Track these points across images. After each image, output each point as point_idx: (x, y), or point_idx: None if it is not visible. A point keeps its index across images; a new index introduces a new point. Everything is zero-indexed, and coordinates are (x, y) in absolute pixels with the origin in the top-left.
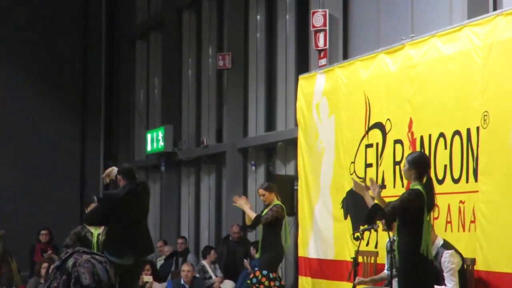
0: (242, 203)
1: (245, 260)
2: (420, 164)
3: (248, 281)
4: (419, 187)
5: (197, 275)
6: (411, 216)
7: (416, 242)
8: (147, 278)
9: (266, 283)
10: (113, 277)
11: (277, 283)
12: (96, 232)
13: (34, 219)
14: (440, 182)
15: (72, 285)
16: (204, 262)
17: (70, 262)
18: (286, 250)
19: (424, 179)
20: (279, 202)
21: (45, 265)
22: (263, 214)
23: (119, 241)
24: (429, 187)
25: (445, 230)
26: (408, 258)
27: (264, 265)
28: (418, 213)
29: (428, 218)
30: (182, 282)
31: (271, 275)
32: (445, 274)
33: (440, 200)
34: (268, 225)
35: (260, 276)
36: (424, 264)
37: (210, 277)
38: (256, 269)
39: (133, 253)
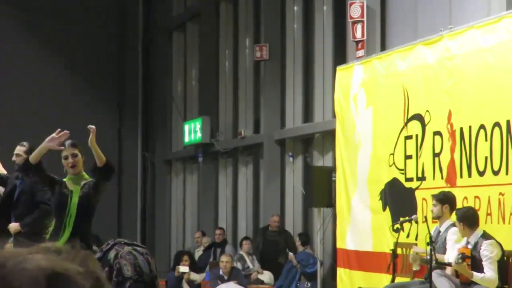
0: None
1: (290, 253)
2: None
3: None
4: None
5: (236, 265)
6: None
7: None
8: (183, 268)
9: None
10: (154, 268)
11: None
12: None
13: None
14: (481, 174)
15: (114, 277)
16: (242, 252)
17: (111, 254)
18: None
19: None
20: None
21: None
22: None
23: None
24: None
25: (485, 222)
26: None
27: None
28: None
29: None
30: (221, 272)
31: None
32: (484, 263)
33: (480, 192)
34: None
35: None
36: None
37: (249, 267)
38: None
39: None
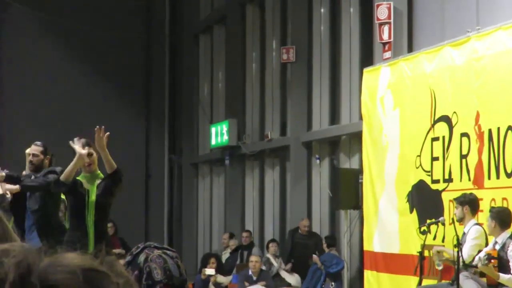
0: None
1: (314, 255)
2: None
3: None
4: None
5: (264, 268)
6: None
7: None
8: (209, 271)
9: None
10: (184, 272)
11: None
12: None
13: None
14: (509, 175)
15: (144, 280)
16: (269, 255)
17: (141, 257)
18: None
19: None
20: None
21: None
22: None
23: None
24: None
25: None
26: None
27: None
28: None
29: None
30: (250, 273)
31: None
32: (511, 264)
33: (508, 193)
34: None
35: None
36: None
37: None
38: None
39: None
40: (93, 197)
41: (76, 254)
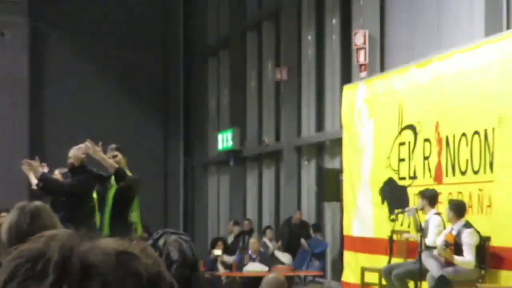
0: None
1: (302, 239)
2: None
3: None
4: None
5: (261, 249)
6: None
7: None
8: (217, 252)
9: None
10: (195, 254)
11: None
12: None
13: None
14: (463, 173)
15: (163, 260)
16: (265, 239)
17: (161, 241)
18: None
19: None
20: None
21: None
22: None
23: None
24: None
25: (467, 213)
26: None
27: None
28: None
29: None
30: (250, 252)
31: None
32: (464, 248)
33: (462, 188)
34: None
35: None
36: None
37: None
38: None
39: None
40: (111, 192)
41: (112, 239)
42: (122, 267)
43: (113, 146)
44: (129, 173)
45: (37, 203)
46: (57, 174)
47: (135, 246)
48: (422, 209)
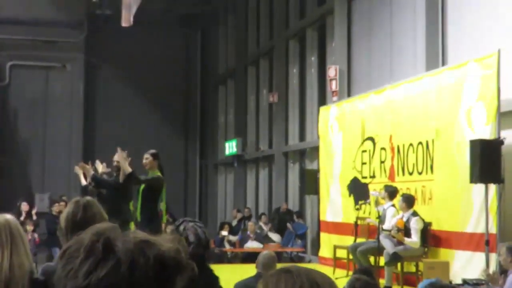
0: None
1: (288, 223)
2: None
3: None
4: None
5: (258, 231)
6: None
7: None
8: (224, 233)
9: None
10: (208, 236)
11: None
12: None
13: None
14: (410, 174)
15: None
16: (261, 223)
17: (181, 227)
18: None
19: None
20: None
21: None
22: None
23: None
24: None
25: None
26: None
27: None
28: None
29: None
30: (248, 233)
31: None
32: (411, 232)
33: (410, 185)
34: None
35: None
36: None
37: (265, 232)
38: None
39: None
40: (142, 187)
41: (142, 232)
42: (135, 251)
43: (150, 151)
44: (157, 173)
45: (88, 197)
46: (102, 167)
47: (162, 238)
48: (383, 198)
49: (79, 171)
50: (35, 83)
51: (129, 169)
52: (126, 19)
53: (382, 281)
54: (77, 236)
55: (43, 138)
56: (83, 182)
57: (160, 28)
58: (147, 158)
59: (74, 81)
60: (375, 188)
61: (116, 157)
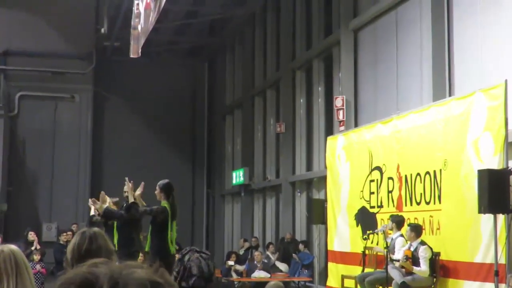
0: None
1: (293, 254)
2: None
3: None
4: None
5: (265, 260)
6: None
7: None
8: (231, 262)
9: None
10: (212, 268)
11: None
12: None
13: None
14: (418, 203)
15: (186, 272)
16: (268, 252)
17: (186, 257)
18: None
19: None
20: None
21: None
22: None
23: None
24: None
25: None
26: None
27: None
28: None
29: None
30: (255, 262)
31: None
32: (420, 261)
33: (418, 215)
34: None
35: None
36: None
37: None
38: None
39: None
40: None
41: (141, 268)
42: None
43: (159, 182)
44: (164, 204)
45: (95, 229)
46: (109, 200)
47: (160, 276)
48: (391, 229)
49: (91, 205)
50: (44, 114)
51: (132, 200)
52: (135, 51)
53: None
54: (74, 269)
55: (51, 168)
56: (92, 212)
57: (167, 60)
58: (156, 189)
59: (82, 112)
60: (383, 218)
61: (125, 188)
